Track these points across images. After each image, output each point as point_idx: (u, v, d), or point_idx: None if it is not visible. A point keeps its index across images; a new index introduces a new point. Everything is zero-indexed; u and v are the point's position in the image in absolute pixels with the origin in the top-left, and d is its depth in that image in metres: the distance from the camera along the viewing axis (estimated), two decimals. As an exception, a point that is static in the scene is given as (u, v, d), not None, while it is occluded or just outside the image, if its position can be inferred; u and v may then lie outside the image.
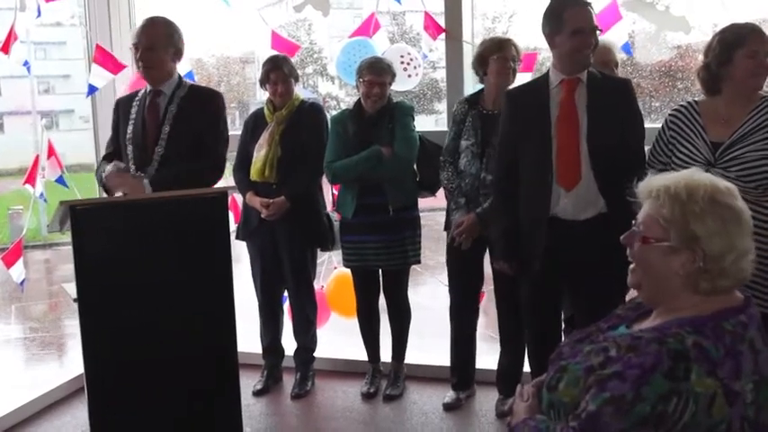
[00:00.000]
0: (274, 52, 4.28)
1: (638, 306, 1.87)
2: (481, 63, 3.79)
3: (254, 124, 4.22)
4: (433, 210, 4.14)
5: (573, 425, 1.62)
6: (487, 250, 3.82)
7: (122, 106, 3.71)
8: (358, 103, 4.10)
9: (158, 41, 3.53)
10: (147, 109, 3.58)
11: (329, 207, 4.33)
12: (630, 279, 1.80)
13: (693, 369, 1.54)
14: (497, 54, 3.74)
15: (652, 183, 1.75)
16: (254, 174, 4.09)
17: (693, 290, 1.68)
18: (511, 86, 3.71)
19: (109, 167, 3.51)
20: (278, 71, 4.08)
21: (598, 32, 3.17)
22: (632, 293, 1.93)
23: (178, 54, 3.62)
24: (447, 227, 3.91)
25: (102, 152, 3.87)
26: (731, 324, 1.62)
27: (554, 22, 3.14)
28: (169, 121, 3.52)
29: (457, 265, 3.96)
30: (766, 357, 1.65)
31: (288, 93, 4.11)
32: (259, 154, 4.08)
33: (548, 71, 3.29)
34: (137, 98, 3.66)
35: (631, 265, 1.79)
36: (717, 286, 1.67)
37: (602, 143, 3.11)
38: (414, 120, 4.07)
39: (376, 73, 3.98)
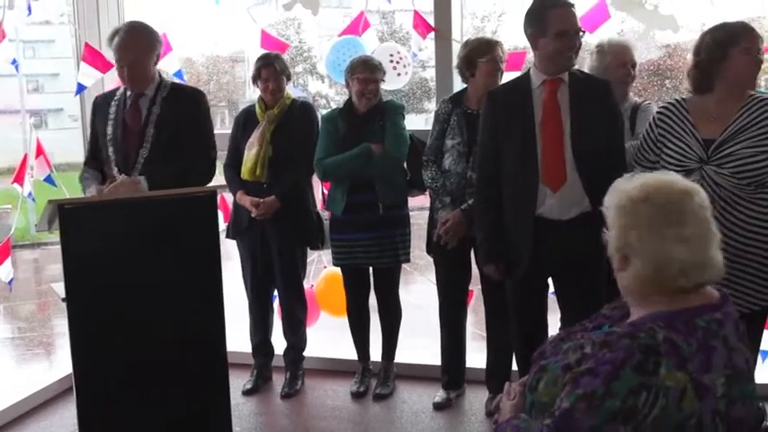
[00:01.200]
0: (264, 51, 4.27)
1: (624, 305, 1.88)
2: (468, 65, 3.77)
3: (245, 122, 4.21)
4: (422, 209, 4.13)
5: (547, 422, 1.63)
6: (473, 251, 3.84)
7: (99, 106, 3.65)
8: (349, 101, 4.09)
9: (142, 55, 3.48)
10: (128, 111, 3.53)
11: (319, 206, 4.33)
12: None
13: (663, 363, 1.56)
14: (487, 56, 3.72)
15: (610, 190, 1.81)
16: (245, 173, 4.08)
17: (641, 294, 1.72)
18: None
19: (91, 190, 3.43)
20: (270, 68, 4.08)
21: (581, 33, 3.17)
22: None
23: (158, 57, 3.58)
24: (430, 226, 3.91)
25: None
26: (705, 321, 1.64)
27: (537, 24, 3.13)
28: (153, 123, 3.48)
29: (444, 264, 3.96)
30: (742, 355, 1.66)
31: (279, 90, 4.10)
32: (250, 153, 4.07)
33: (528, 71, 3.29)
34: (115, 98, 3.60)
35: None
36: (667, 289, 1.68)
37: (586, 143, 3.12)
38: (404, 118, 4.07)
39: (370, 70, 3.97)
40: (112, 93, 3.66)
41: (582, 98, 3.16)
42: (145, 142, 3.46)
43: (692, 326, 1.62)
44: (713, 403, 1.57)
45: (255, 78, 4.16)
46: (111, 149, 3.52)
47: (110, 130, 3.54)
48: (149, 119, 3.49)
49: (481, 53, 3.73)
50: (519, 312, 3.43)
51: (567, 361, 1.69)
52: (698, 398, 1.55)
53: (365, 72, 3.97)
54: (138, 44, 3.47)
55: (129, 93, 3.55)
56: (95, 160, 3.62)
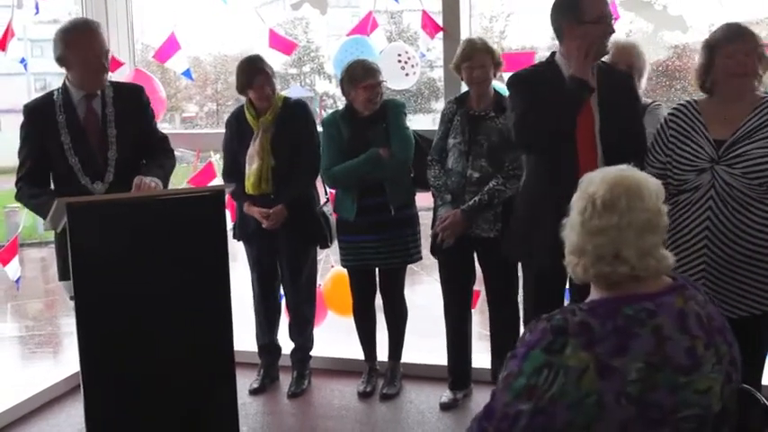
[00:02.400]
0: (245, 57, 4.12)
1: None
2: (457, 69, 3.80)
3: (238, 126, 4.13)
4: (430, 209, 4.13)
5: (487, 403, 1.76)
6: (476, 251, 3.85)
7: (38, 114, 3.41)
8: (349, 104, 4.06)
9: (106, 50, 3.40)
10: (85, 115, 3.40)
11: (323, 200, 4.28)
12: None
13: (570, 343, 1.62)
14: (467, 63, 3.73)
15: None
16: (249, 188, 4.02)
17: (585, 280, 1.79)
18: (487, 91, 3.76)
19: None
20: (263, 74, 3.98)
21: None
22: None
23: None
24: (433, 225, 3.90)
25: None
26: (632, 309, 1.67)
27: (571, 12, 3.02)
28: (112, 123, 3.40)
29: (448, 265, 3.95)
30: (684, 346, 1.66)
31: (274, 91, 4.05)
32: (252, 168, 4.01)
33: (551, 59, 3.18)
34: (56, 104, 3.39)
35: None
36: (603, 276, 1.75)
37: (613, 134, 3.07)
38: (406, 116, 4.06)
39: (372, 76, 3.95)
40: (47, 99, 3.43)
41: (608, 90, 3.10)
42: (110, 144, 3.39)
43: (615, 312, 1.66)
44: (619, 385, 1.60)
45: (245, 87, 4.02)
46: (73, 159, 3.37)
47: (66, 138, 3.36)
48: (106, 120, 3.41)
49: (464, 58, 3.74)
50: (537, 307, 3.28)
51: None
52: (600, 377, 1.60)
53: (370, 78, 3.93)
54: (101, 40, 3.37)
55: (74, 97, 3.40)
56: (39, 174, 3.43)
